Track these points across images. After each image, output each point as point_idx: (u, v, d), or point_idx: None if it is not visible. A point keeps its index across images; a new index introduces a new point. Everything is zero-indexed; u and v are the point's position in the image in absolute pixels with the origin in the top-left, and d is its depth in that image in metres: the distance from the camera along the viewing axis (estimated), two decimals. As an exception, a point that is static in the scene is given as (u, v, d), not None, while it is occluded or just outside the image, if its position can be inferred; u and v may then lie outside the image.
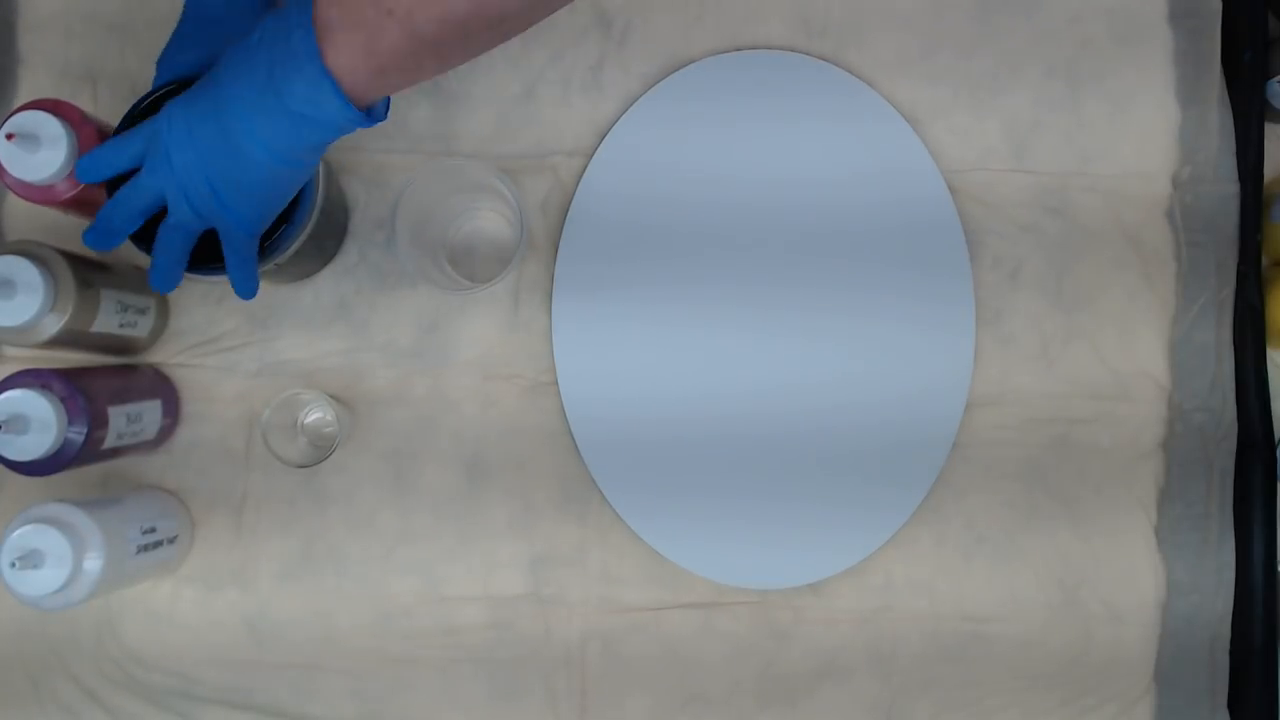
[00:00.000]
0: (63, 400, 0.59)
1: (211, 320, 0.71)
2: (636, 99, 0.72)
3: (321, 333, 0.71)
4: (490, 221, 0.72)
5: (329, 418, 0.71)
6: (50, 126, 0.58)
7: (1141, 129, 0.73)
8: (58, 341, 0.61)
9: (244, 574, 0.70)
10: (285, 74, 0.50)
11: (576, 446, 0.71)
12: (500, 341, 0.71)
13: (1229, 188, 0.72)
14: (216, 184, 0.53)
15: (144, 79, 0.71)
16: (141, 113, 0.58)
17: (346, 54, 0.49)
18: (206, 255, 0.58)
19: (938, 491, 0.71)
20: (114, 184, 0.57)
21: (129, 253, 0.70)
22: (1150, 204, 0.73)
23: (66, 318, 0.60)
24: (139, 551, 0.63)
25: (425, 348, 0.71)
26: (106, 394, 0.63)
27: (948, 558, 0.71)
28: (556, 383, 0.71)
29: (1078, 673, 0.71)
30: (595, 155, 0.71)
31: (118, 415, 0.63)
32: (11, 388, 0.58)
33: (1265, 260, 0.73)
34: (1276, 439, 0.71)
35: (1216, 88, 0.72)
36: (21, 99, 0.71)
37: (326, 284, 0.71)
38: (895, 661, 0.71)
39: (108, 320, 0.64)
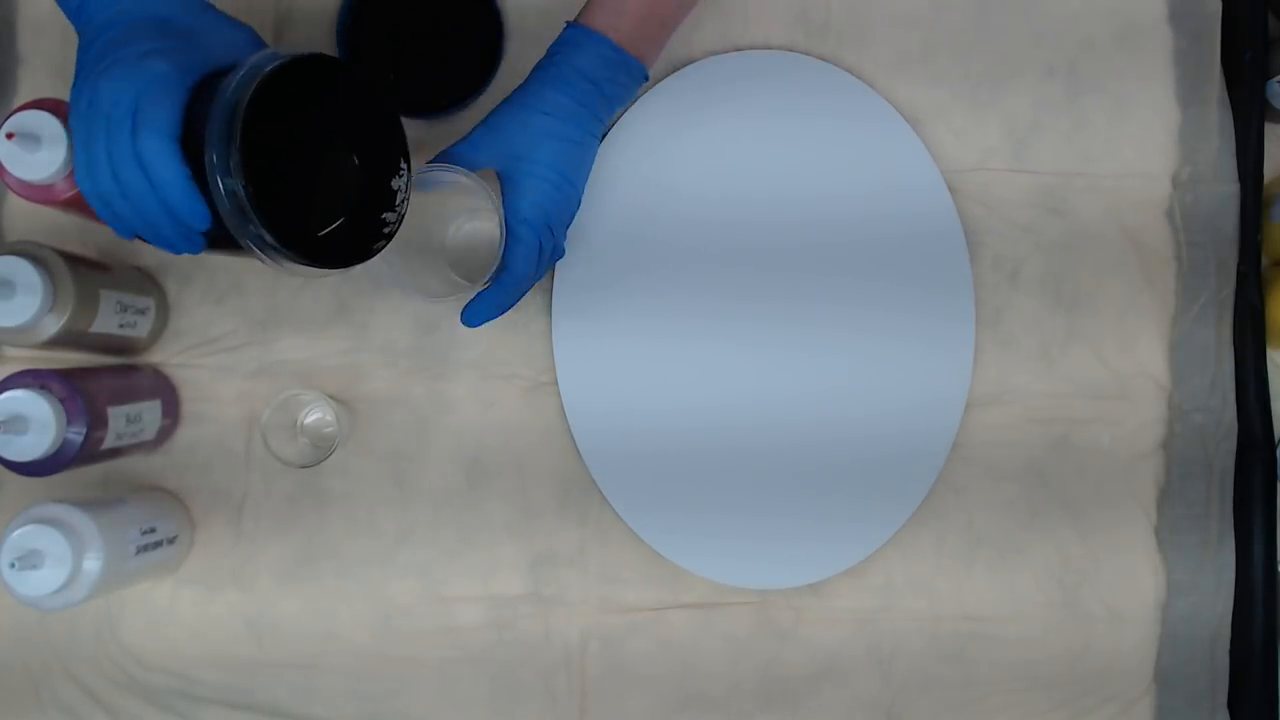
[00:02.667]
0: (62, 400, 0.59)
1: (211, 320, 0.71)
2: (636, 99, 0.72)
3: (321, 333, 0.71)
4: (490, 220, 0.72)
5: (329, 418, 0.71)
6: (50, 126, 0.57)
7: (1141, 129, 0.73)
8: (57, 342, 0.61)
9: (244, 574, 0.70)
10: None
11: (576, 447, 0.70)
12: (500, 342, 0.71)
13: (1229, 188, 0.72)
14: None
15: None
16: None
17: None
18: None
19: (938, 492, 0.71)
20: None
21: (130, 254, 0.71)
22: (1150, 204, 0.73)
23: (66, 318, 0.60)
24: (139, 552, 0.63)
25: (425, 348, 0.71)
26: (106, 394, 0.63)
27: (948, 558, 0.71)
28: (556, 383, 0.71)
29: (1077, 673, 0.71)
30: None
31: (117, 415, 0.63)
32: (11, 388, 0.58)
33: (1265, 260, 0.73)
34: (1276, 439, 0.71)
35: (1216, 88, 0.72)
36: (21, 99, 0.71)
37: (326, 285, 0.71)
38: (895, 661, 0.71)
39: (107, 320, 0.64)
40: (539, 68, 0.63)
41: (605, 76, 0.62)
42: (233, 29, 0.57)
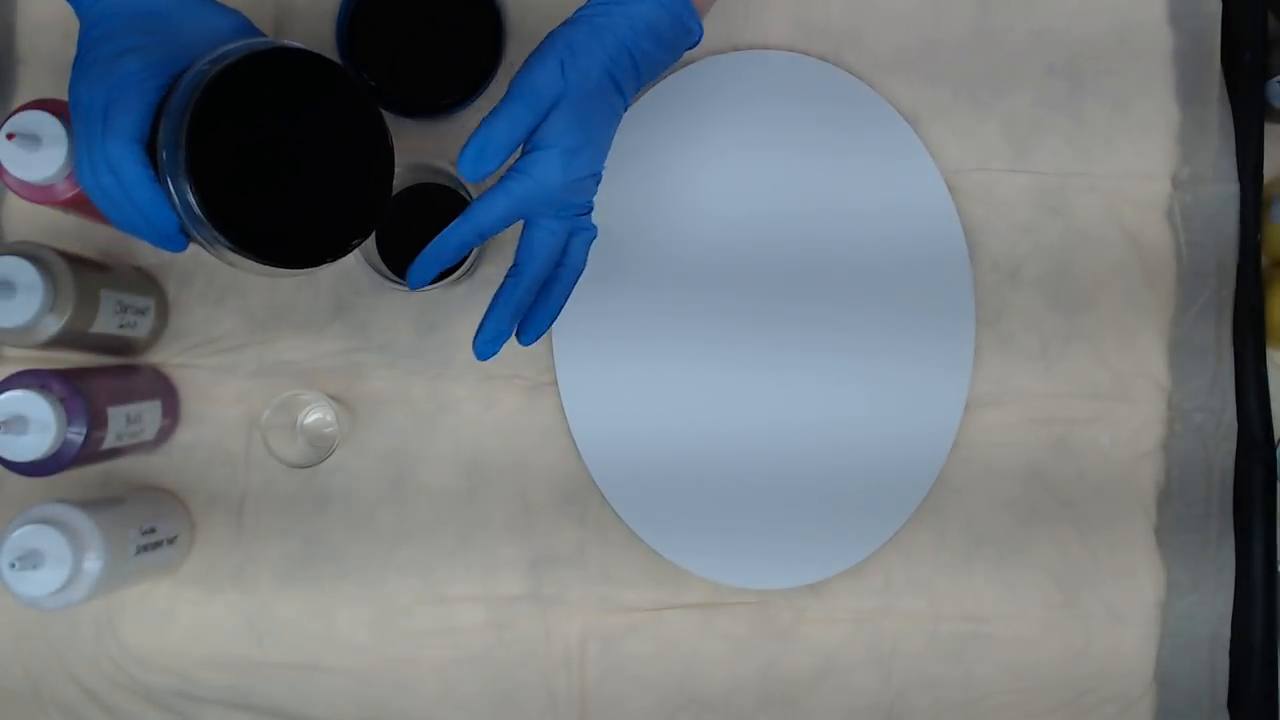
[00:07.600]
0: (62, 401, 0.59)
1: (211, 320, 0.71)
2: (638, 98, 0.72)
3: (321, 333, 0.71)
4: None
5: (328, 418, 0.71)
6: (51, 126, 0.57)
7: (1141, 129, 0.73)
8: (57, 342, 0.61)
9: (244, 574, 0.70)
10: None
11: (576, 447, 0.71)
12: (500, 342, 0.71)
13: (1229, 187, 0.72)
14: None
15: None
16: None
17: None
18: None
19: (937, 492, 0.71)
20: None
21: (130, 254, 0.71)
22: (1150, 204, 0.73)
23: (66, 318, 0.60)
24: (139, 552, 0.63)
25: (425, 348, 0.71)
26: (106, 394, 0.63)
27: (947, 558, 0.71)
28: (556, 383, 0.71)
29: (1077, 673, 0.71)
30: (595, 155, 0.71)
31: (117, 415, 0.63)
32: (11, 388, 0.58)
33: (1265, 260, 0.73)
34: (1276, 439, 0.71)
35: (1216, 88, 0.72)
36: (21, 99, 0.71)
37: (325, 284, 0.71)
38: (895, 661, 0.71)
39: (107, 321, 0.64)
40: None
41: None
42: (219, 15, 0.56)
